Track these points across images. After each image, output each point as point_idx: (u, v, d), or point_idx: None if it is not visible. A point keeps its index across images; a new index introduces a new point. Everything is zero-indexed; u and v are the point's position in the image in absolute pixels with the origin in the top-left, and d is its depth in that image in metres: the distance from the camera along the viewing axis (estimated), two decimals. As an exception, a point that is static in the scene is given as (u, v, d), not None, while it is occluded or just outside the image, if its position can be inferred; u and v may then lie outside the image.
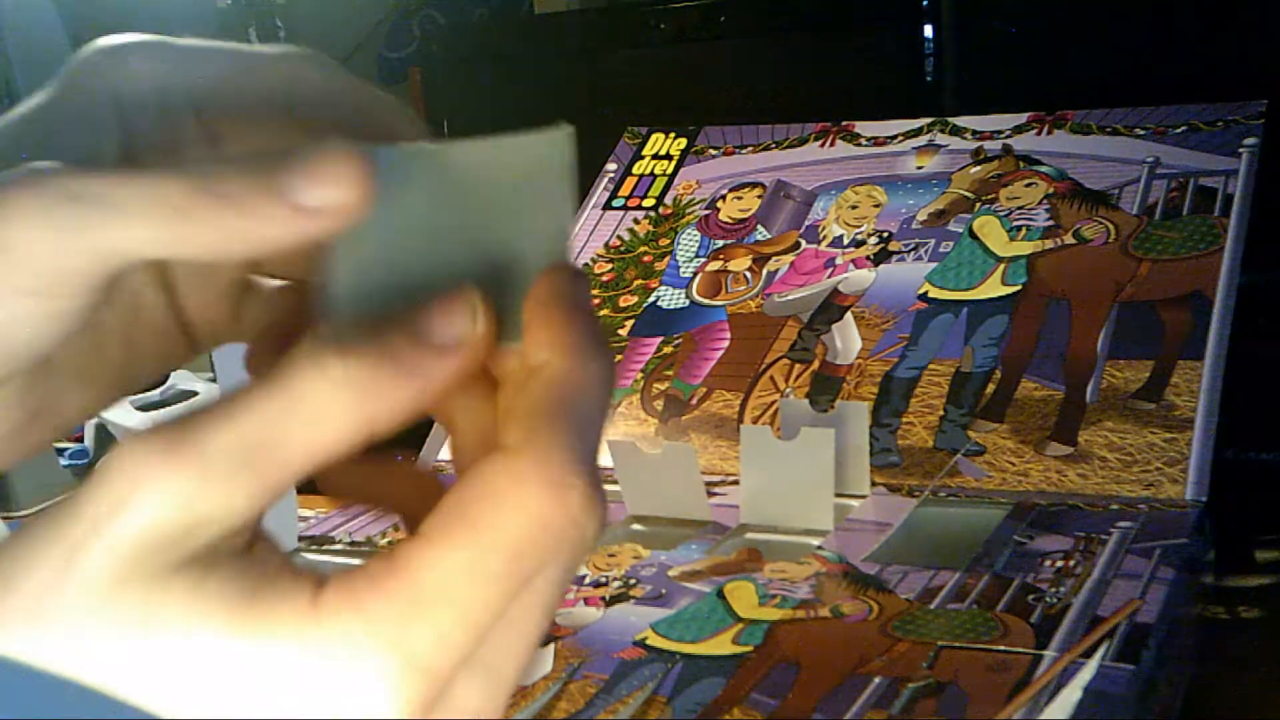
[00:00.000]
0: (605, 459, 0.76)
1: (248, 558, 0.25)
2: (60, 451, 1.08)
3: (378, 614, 0.24)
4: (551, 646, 0.59)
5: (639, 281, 0.95)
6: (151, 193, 0.25)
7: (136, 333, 0.33)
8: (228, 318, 0.34)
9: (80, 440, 1.10)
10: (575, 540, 0.26)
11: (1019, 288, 0.82)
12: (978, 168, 0.91)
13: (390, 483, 0.31)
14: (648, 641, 0.59)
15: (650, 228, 0.99)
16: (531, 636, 0.26)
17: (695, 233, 0.97)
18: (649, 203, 1.01)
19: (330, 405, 0.24)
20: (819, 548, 0.67)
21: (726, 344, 0.88)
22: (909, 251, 0.87)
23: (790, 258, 0.91)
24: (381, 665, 0.23)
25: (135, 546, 0.23)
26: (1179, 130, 0.87)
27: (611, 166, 1.06)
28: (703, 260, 0.94)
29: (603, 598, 0.64)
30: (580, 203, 0.27)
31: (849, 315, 0.85)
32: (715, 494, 0.75)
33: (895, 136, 0.96)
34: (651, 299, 0.93)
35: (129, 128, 0.31)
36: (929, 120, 0.96)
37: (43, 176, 0.26)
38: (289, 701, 0.23)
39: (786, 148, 1.00)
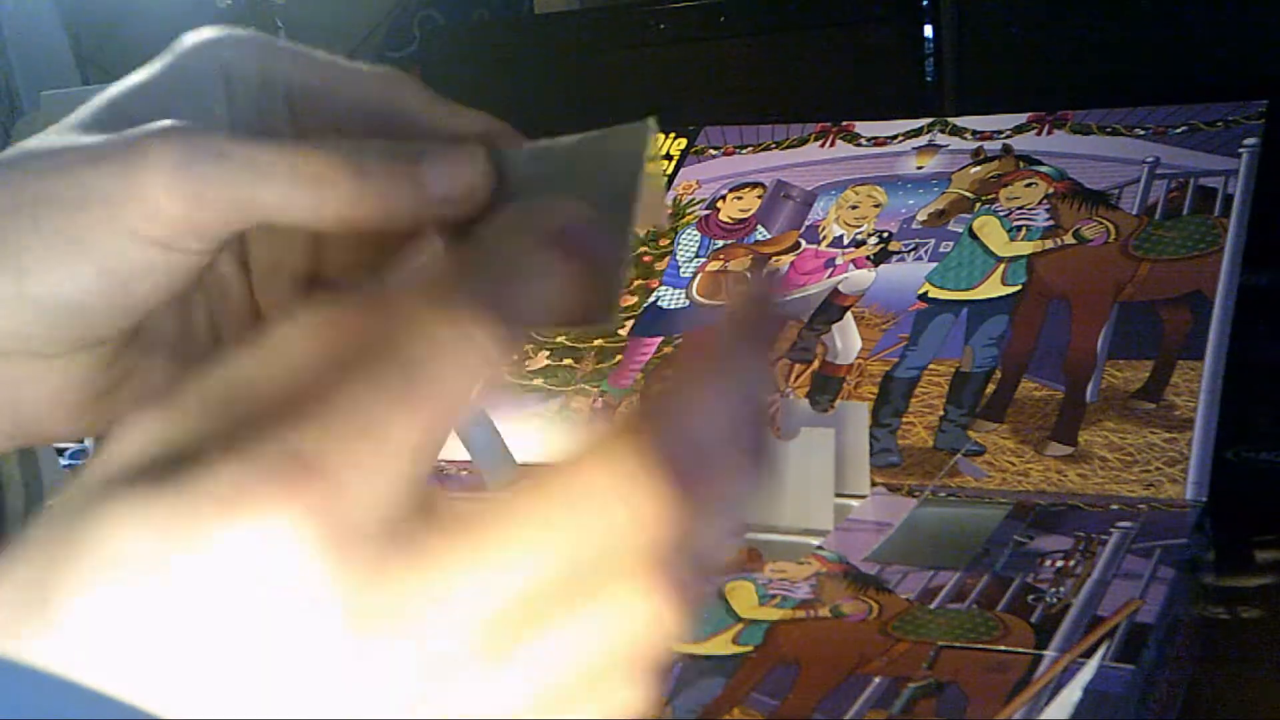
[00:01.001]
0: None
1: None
2: (60, 451, 1.08)
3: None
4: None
5: (639, 281, 0.95)
6: (295, 159, 0.27)
7: (220, 315, 0.34)
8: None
9: (80, 440, 1.10)
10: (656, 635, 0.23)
11: (1019, 288, 0.82)
12: (978, 168, 0.91)
13: None
14: (648, 641, 0.59)
15: (650, 228, 0.99)
16: None
17: (695, 233, 0.97)
18: (649, 203, 1.01)
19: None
20: (819, 548, 0.67)
21: (726, 344, 0.87)
22: (909, 251, 0.87)
23: (790, 258, 0.91)
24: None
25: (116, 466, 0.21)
26: (1179, 130, 0.87)
27: (611, 166, 1.06)
28: (703, 260, 0.94)
29: (603, 598, 0.64)
30: (662, 194, 0.28)
31: (849, 315, 0.85)
32: (715, 494, 0.75)
33: (895, 136, 0.96)
34: (652, 299, 0.93)
35: (234, 107, 0.32)
36: (929, 120, 0.96)
37: (189, 131, 0.27)
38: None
39: (786, 148, 1.00)
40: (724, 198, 0.98)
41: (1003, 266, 0.84)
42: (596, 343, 0.92)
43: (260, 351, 0.21)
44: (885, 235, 0.89)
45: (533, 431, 0.87)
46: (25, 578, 0.19)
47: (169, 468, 0.19)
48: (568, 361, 0.91)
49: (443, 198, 0.29)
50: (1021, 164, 0.90)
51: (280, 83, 0.32)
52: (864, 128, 0.98)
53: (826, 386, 0.82)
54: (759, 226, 0.95)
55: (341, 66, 0.33)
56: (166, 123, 0.27)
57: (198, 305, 0.33)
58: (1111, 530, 0.65)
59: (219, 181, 0.27)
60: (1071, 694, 0.49)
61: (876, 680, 0.53)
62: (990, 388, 0.78)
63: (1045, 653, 0.53)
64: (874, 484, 0.74)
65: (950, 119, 0.96)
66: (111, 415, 0.32)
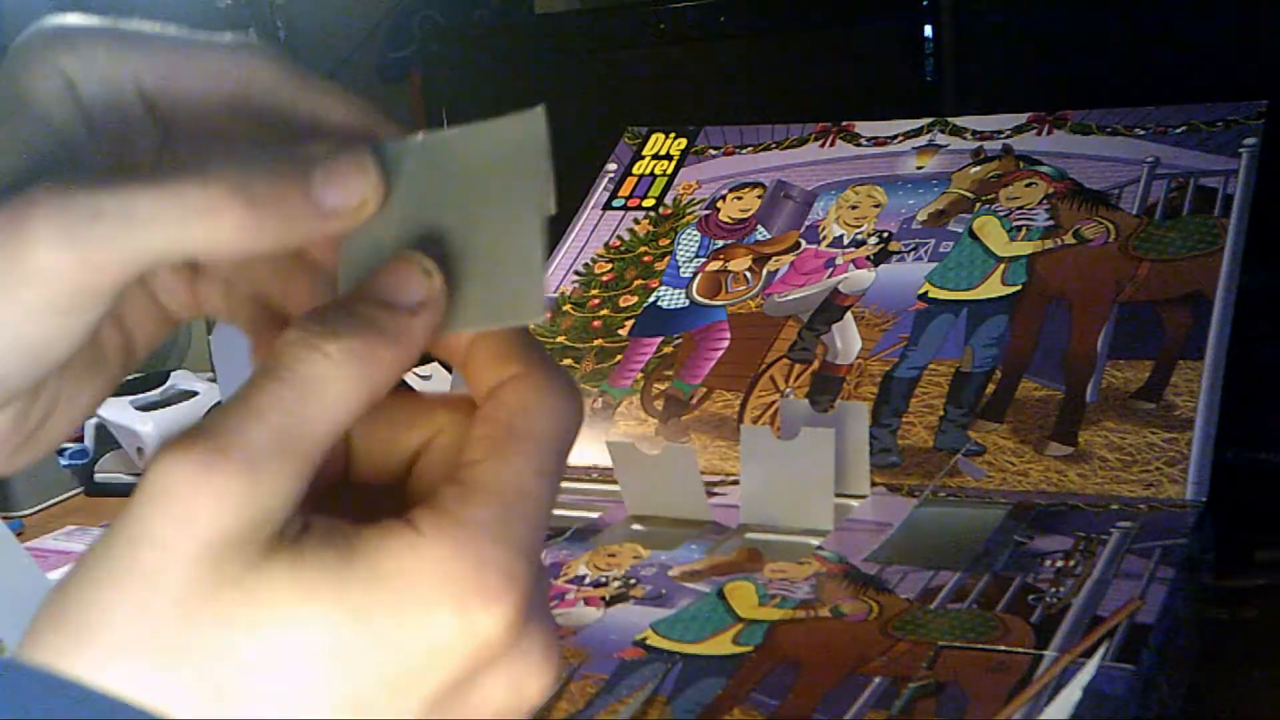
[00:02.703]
0: (605, 460, 0.76)
1: (324, 522, 0.27)
2: (60, 451, 1.08)
3: (481, 524, 0.27)
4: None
5: (639, 281, 0.95)
6: (177, 200, 0.27)
7: (125, 314, 0.34)
8: (202, 297, 0.35)
9: (80, 440, 1.10)
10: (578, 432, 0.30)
11: (1019, 288, 0.82)
12: (978, 168, 0.91)
13: (426, 410, 0.32)
14: (648, 641, 0.59)
15: (650, 228, 0.99)
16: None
17: (695, 233, 0.97)
18: (649, 203, 1.01)
19: (337, 382, 0.27)
20: (819, 548, 0.67)
21: (726, 344, 0.88)
22: (909, 251, 0.87)
23: (790, 258, 0.91)
24: (499, 562, 0.27)
25: (217, 553, 0.25)
26: (1179, 130, 0.87)
27: (611, 166, 1.06)
28: (703, 260, 0.94)
29: (603, 598, 0.64)
30: (556, 183, 0.28)
31: (849, 315, 0.85)
32: (715, 494, 0.75)
33: (895, 136, 0.96)
34: (651, 299, 0.93)
35: (83, 113, 0.31)
36: (929, 120, 0.96)
37: (63, 195, 0.27)
38: (420, 624, 0.26)
39: (786, 148, 1.00)
40: (724, 198, 0.98)
41: (1003, 266, 0.84)
42: (596, 343, 0.92)
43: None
44: (885, 235, 0.89)
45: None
46: None
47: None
48: (568, 361, 0.91)
49: (335, 212, 0.29)
50: (1021, 164, 0.90)
51: (130, 81, 0.31)
52: (864, 128, 0.98)
53: (826, 386, 0.82)
54: (759, 226, 0.95)
55: (195, 49, 0.32)
56: (38, 190, 0.27)
57: (105, 327, 0.33)
58: (1111, 530, 0.65)
59: (103, 242, 0.26)
60: (1071, 694, 0.49)
61: (876, 680, 0.53)
62: (990, 388, 0.78)
63: (1045, 653, 0.53)
64: (874, 484, 0.74)
65: (950, 119, 0.96)
66: (50, 445, 0.33)
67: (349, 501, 0.29)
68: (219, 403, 1.03)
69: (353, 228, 0.29)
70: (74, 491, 1.07)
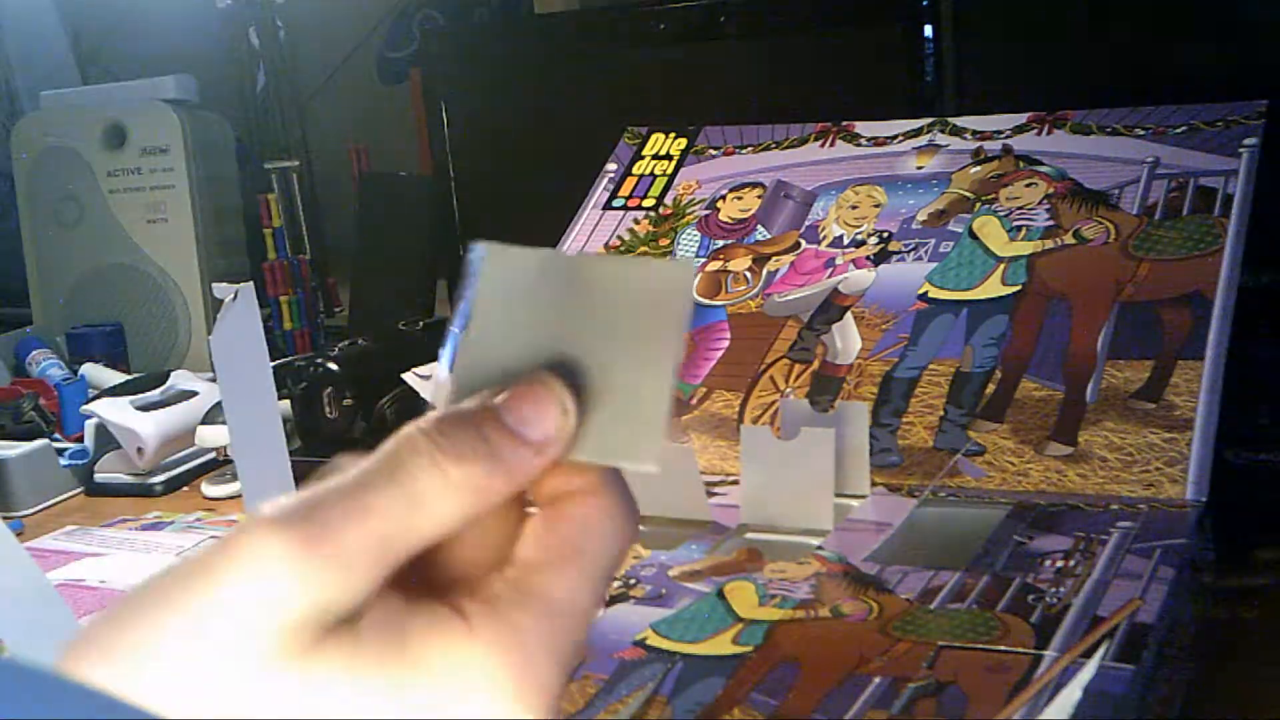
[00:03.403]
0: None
1: (381, 603, 0.28)
2: (60, 452, 1.08)
3: (531, 630, 0.28)
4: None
5: (639, 281, 0.95)
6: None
7: None
8: None
9: (80, 439, 1.10)
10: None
11: (1019, 288, 0.82)
12: (978, 168, 0.91)
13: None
14: (648, 641, 0.59)
15: (650, 228, 0.99)
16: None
17: (695, 233, 0.97)
18: (649, 203, 1.01)
19: (448, 504, 0.28)
20: (819, 548, 0.67)
21: (726, 344, 0.88)
22: (909, 251, 0.87)
23: (790, 258, 0.91)
24: (543, 673, 0.28)
25: (287, 633, 0.26)
26: (1179, 130, 0.87)
27: (611, 166, 1.06)
28: (703, 260, 0.94)
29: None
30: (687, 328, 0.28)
31: (849, 315, 0.85)
32: (715, 494, 0.75)
33: (895, 136, 0.96)
34: (651, 299, 0.93)
35: None
36: (929, 120, 0.96)
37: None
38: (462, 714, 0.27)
39: (786, 148, 1.00)
40: (724, 198, 0.98)
41: (1003, 266, 0.84)
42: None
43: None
44: (885, 235, 0.89)
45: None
46: None
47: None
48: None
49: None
50: (1021, 164, 0.90)
51: None
52: (864, 128, 0.98)
53: (826, 386, 0.82)
54: (759, 226, 0.95)
55: None
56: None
57: None
58: (1111, 530, 0.65)
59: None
60: (1071, 694, 0.49)
61: (876, 680, 0.53)
62: (990, 388, 0.78)
63: (1045, 653, 0.53)
64: (874, 484, 0.74)
65: (950, 119, 0.96)
66: None
67: (400, 578, 0.29)
68: (217, 403, 1.03)
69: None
70: (74, 491, 1.07)
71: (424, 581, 0.29)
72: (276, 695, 0.26)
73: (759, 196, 0.97)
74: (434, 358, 0.85)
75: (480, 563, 0.30)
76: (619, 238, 0.99)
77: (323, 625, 0.26)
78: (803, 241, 0.92)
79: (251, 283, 0.70)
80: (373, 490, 0.27)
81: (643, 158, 1.05)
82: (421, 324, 1.21)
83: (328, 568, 0.26)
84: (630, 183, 1.03)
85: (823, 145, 0.99)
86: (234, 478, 1.03)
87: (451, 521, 0.28)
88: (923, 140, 0.95)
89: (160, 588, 0.26)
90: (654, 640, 0.59)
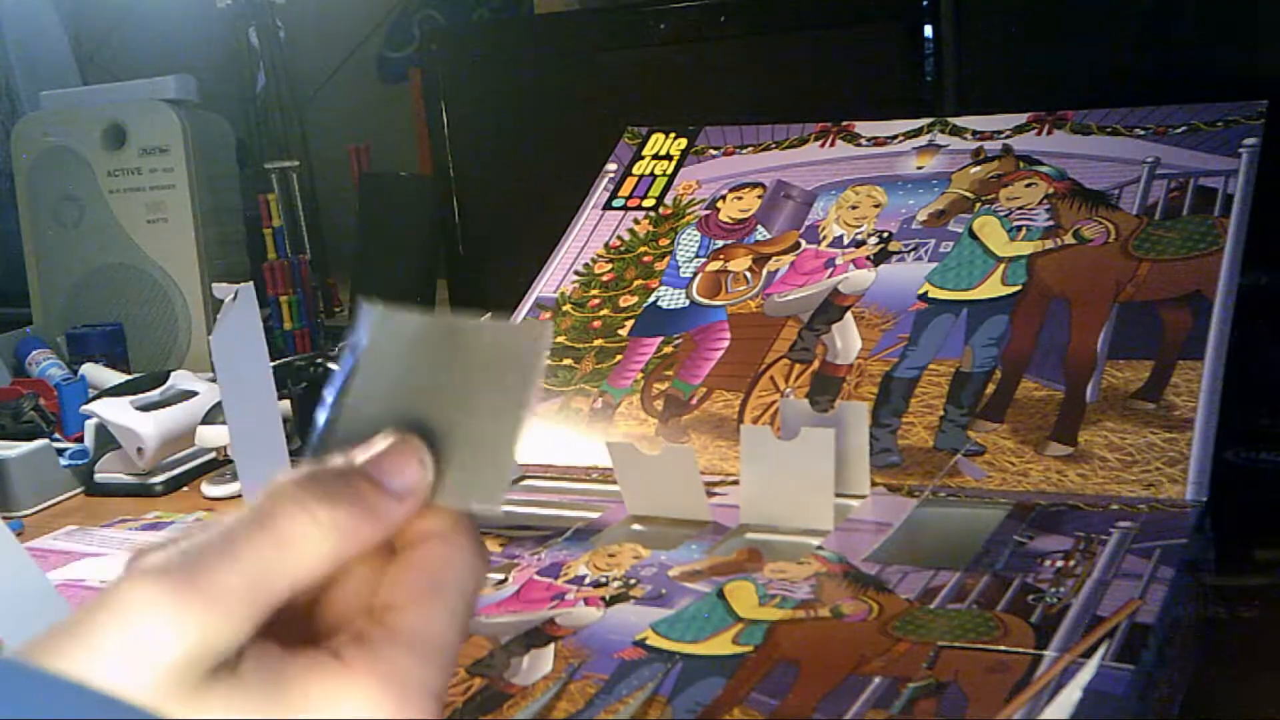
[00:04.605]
0: (605, 460, 0.76)
1: (260, 649, 0.29)
2: (60, 452, 1.08)
3: (403, 664, 0.30)
4: (551, 646, 0.59)
5: (639, 281, 0.95)
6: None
7: None
8: None
9: (80, 439, 1.10)
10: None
11: (1019, 288, 0.82)
12: (978, 168, 0.91)
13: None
14: (648, 641, 0.59)
15: (650, 228, 0.99)
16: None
17: (695, 233, 0.97)
18: (649, 203, 1.01)
19: (316, 546, 0.30)
20: (819, 548, 0.67)
21: (726, 344, 0.88)
22: (909, 251, 0.87)
23: (790, 258, 0.91)
24: (418, 704, 0.29)
25: (168, 675, 0.27)
26: (1179, 130, 0.87)
27: (611, 166, 1.06)
28: (703, 260, 0.94)
29: (603, 598, 0.64)
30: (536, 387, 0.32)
31: (849, 315, 0.85)
32: (715, 494, 0.75)
33: (895, 136, 0.96)
34: (651, 299, 0.93)
35: None
36: (929, 120, 0.96)
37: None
38: None
39: (786, 148, 1.00)
40: (724, 198, 0.98)
41: (1003, 266, 0.84)
42: (597, 343, 0.92)
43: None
44: (885, 235, 0.89)
45: (533, 432, 0.87)
46: None
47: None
48: (567, 361, 0.91)
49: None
50: (1021, 164, 0.90)
51: None
52: (864, 128, 0.98)
53: (826, 386, 0.82)
54: (759, 226, 0.95)
55: None
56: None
57: None
58: (1111, 530, 0.65)
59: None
60: (1071, 694, 0.49)
61: (876, 680, 0.53)
62: (990, 388, 0.78)
63: (1045, 653, 0.53)
64: (874, 484, 0.74)
65: (950, 119, 0.96)
66: None
67: (275, 625, 0.31)
68: (217, 403, 1.03)
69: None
70: (74, 492, 1.07)
71: (303, 632, 0.31)
72: None
73: (759, 196, 0.97)
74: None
75: (355, 609, 0.32)
76: (619, 238, 0.99)
77: (202, 668, 0.27)
78: (803, 241, 0.92)
79: (251, 283, 0.70)
80: (242, 535, 0.29)
81: (643, 158, 1.05)
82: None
83: (201, 610, 0.27)
84: (630, 183, 1.03)
85: (823, 145, 0.99)
86: (234, 478, 1.03)
87: (320, 563, 0.30)
88: (923, 140, 0.95)
89: (48, 640, 0.27)
90: (654, 640, 0.59)
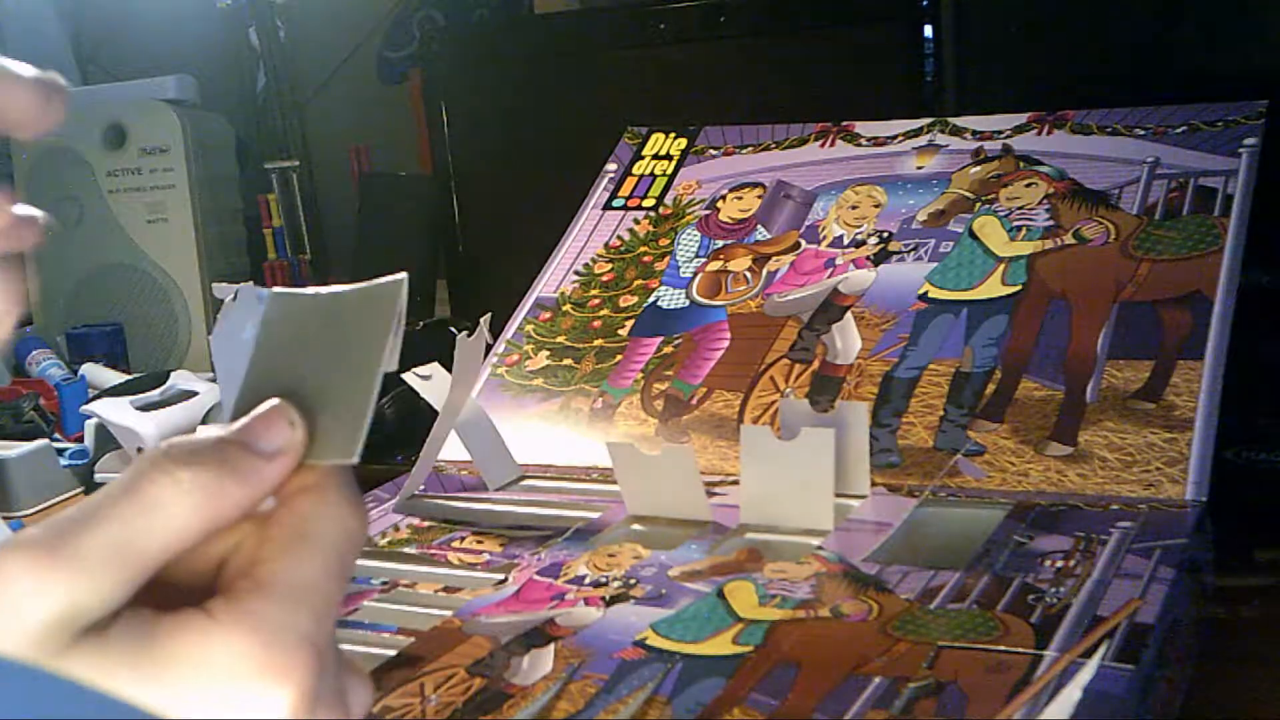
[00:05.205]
0: (605, 460, 0.76)
1: (132, 612, 0.29)
2: (60, 452, 1.08)
3: (270, 613, 0.30)
4: (551, 646, 0.59)
5: (639, 281, 0.95)
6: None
7: None
8: None
9: (80, 440, 1.10)
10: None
11: (1019, 288, 0.82)
12: (978, 168, 0.91)
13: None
14: (648, 641, 0.59)
15: (650, 228, 0.99)
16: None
17: (695, 233, 0.97)
18: (649, 203, 1.01)
19: (180, 507, 0.30)
20: (819, 548, 0.67)
21: (726, 344, 0.88)
22: (909, 251, 0.87)
23: (790, 258, 0.91)
24: (285, 647, 0.29)
25: (36, 639, 0.27)
26: (1179, 130, 0.87)
27: (611, 166, 1.06)
28: (703, 260, 0.94)
29: (603, 598, 0.64)
30: (400, 339, 0.34)
31: (849, 315, 0.85)
32: (715, 494, 0.75)
33: (895, 136, 0.96)
34: (651, 299, 0.93)
35: None
36: (929, 120, 0.96)
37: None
38: (213, 702, 0.29)
39: (786, 148, 1.00)
40: (724, 198, 0.98)
41: (1003, 266, 0.84)
42: (597, 343, 0.92)
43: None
44: (885, 235, 0.89)
45: (533, 431, 0.87)
46: None
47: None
48: (567, 361, 0.91)
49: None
50: (1021, 164, 0.90)
51: None
52: (864, 128, 0.98)
53: (826, 386, 0.82)
54: (759, 226, 0.95)
55: None
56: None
57: None
58: (1111, 530, 0.65)
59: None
60: (1071, 694, 0.49)
61: (876, 680, 0.53)
62: (990, 388, 0.78)
63: (1045, 653, 0.53)
64: (874, 484, 0.74)
65: (950, 119, 0.96)
66: None
67: (164, 601, 0.31)
68: (217, 403, 1.03)
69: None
70: (74, 492, 1.07)
71: (186, 599, 0.31)
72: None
73: (759, 196, 0.97)
74: (434, 358, 0.85)
75: (236, 574, 0.32)
76: (619, 237, 0.99)
77: (69, 632, 0.28)
78: (803, 241, 0.92)
79: (251, 283, 0.70)
80: (109, 501, 0.29)
81: (643, 158, 1.05)
82: (421, 324, 1.21)
83: (66, 575, 0.28)
84: (630, 183, 1.03)
85: (823, 145, 0.99)
86: (234, 478, 1.03)
87: (189, 525, 0.30)
88: (923, 140, 0.95)
89: None
90: (654, 640, 0.59)
